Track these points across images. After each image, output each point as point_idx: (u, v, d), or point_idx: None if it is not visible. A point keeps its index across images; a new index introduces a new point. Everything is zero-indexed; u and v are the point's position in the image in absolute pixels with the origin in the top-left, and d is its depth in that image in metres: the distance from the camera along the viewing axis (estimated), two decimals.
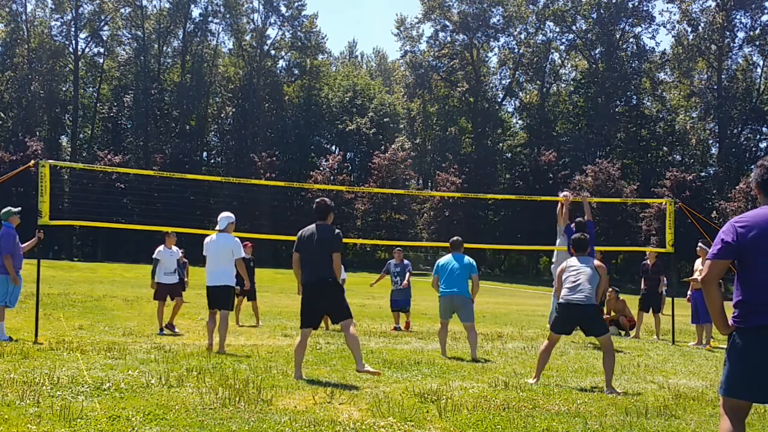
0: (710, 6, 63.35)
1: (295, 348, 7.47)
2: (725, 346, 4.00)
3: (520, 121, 74.20)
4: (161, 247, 12.43)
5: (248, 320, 14.69)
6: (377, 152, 61.87)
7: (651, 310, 14.23)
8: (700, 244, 12.93)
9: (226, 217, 9.63)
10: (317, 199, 7.73)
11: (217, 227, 9.60)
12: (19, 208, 10.10)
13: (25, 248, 10.04)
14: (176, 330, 11.85)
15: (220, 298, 9.38)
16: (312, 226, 7.61)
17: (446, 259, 10.17)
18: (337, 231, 7.55)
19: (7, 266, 9.61)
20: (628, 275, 53.64)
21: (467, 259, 10.11)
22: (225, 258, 9.39)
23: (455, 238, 10.55)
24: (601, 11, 66.68)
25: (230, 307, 9.51)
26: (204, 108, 69.24)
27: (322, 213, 7.61)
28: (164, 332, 11.61)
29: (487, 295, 32.86)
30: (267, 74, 69.72)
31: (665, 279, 25.16)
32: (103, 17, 66.62)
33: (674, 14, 69.51)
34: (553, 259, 12.92)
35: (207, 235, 9.86)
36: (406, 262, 14.63)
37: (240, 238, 14.76)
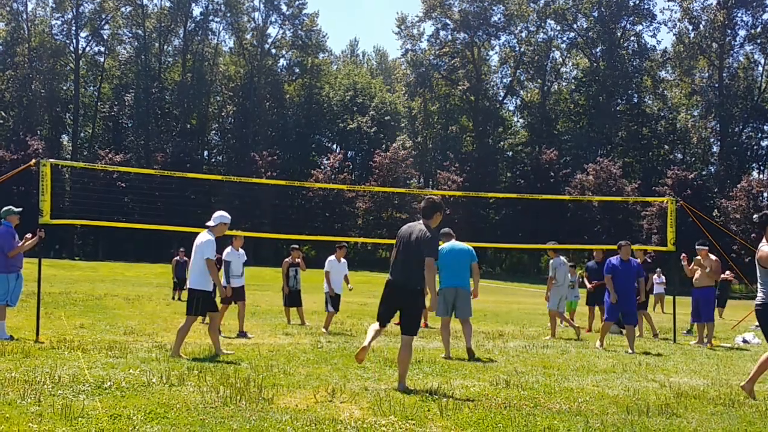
0: (711, 4, 63.35)
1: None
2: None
3: (521, 120, 74.19)
4: (229, 249, 12.08)
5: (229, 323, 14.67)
6: (378, 151, 61.92)
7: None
8: (697, 246, 12.96)
9: (219, 216, 8.89)
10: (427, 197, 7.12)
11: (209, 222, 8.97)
12: (20, 209, 10.12)
13: (23, 247, 10.01)
14: (249, 335, 11.43)
15: (186, 302, 8.80)
16: (413, 224, 7.08)
17: (446, 248, 9.70)
18: (429, 235, 6.79)
19: (20, 249, 9.63)
20: None
21: (466, 246, 9.82)
22: (198, 258, 8.67)
23: (446, 230, 10.07)
24: (602, 9, 66.63)
25: (191, 312, 8.60)
26: (205, 107, 69.23)
27: (427, 212, 6.99)
28: (247, 335, 11.35)
29: (489, 293, 32.86)
30: (268, 73, 69.70)
31: (662, 277, 25.22)
32: (103, 16, 66.66)
33: (675, 12, 69.40)
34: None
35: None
36: None
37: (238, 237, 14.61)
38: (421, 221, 6.99)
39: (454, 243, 9.79)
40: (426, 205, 7.03)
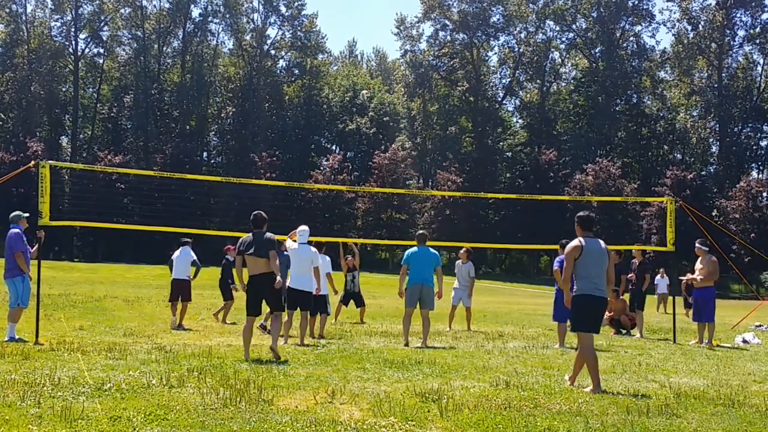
0: (710, 4, 63.36)
1: None
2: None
3: (520, 120, 74.17)
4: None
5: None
6: (378, 152, 61.91)
7: (635, 307, 14.24)
8: (697, 244, 12.89)
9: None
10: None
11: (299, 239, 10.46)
12: (28, 214, 10.38)
13: (33, 252, 10.25)
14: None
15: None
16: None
17: (415, 251, 10.87)
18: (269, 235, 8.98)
19: (18, 263, 9.84)
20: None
21: (433, 251, 10.95)
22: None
23: (421, 232, 11.56)
24: (601, 10, 66.65)
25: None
26: (204, 108, 69.20)
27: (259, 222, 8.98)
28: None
29: (488, 294, 32.82)
30: (267, 74, 69.68)
31: (666, 277, 25.20)
32: (102, 18, 66.61)
33: (674, 12, 69.45)
34: None
35: (206, 235, 9.80)
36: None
37: (238, 238, 14.72)
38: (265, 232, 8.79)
39: (423, 247, 10.90)
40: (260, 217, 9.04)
